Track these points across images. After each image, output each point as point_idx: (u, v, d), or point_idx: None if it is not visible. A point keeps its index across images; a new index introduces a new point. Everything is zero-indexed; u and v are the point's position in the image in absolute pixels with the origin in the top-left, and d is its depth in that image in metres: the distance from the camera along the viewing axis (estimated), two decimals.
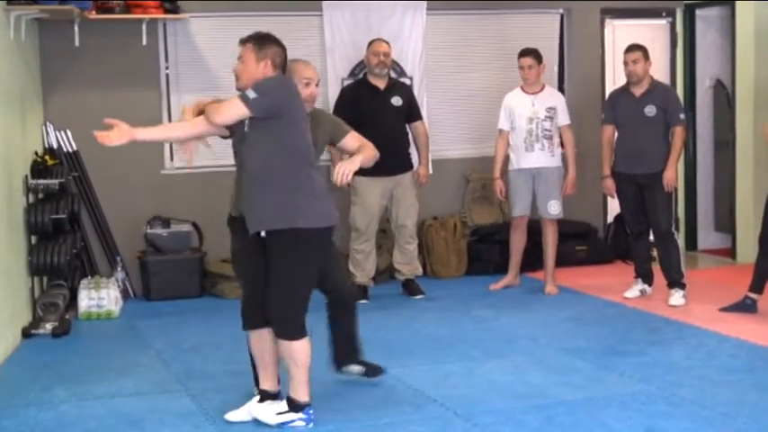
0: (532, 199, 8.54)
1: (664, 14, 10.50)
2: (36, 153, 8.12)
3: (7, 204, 7.01)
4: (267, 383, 5.40)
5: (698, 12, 10.42)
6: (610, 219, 10.21)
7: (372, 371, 5.86)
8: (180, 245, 8.76)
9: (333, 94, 8.99)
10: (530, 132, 8.40)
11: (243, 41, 5.23)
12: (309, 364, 5.18)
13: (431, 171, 8.92)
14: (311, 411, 5.21)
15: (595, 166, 8.88)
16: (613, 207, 10.11)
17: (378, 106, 8.29)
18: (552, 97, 8.53)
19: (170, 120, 8.97)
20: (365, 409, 5.43)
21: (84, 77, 8.70)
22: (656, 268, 8.35)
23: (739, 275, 8.35)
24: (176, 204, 8.94)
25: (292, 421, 5.17)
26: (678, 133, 7.97)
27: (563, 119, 8.49)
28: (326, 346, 5.86)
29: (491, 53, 9.89)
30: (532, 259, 9.36)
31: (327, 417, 5.30)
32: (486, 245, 9.54)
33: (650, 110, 7.96)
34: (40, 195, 7.83)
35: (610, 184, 8.27)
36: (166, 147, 9.04)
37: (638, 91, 8.04)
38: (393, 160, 7.97)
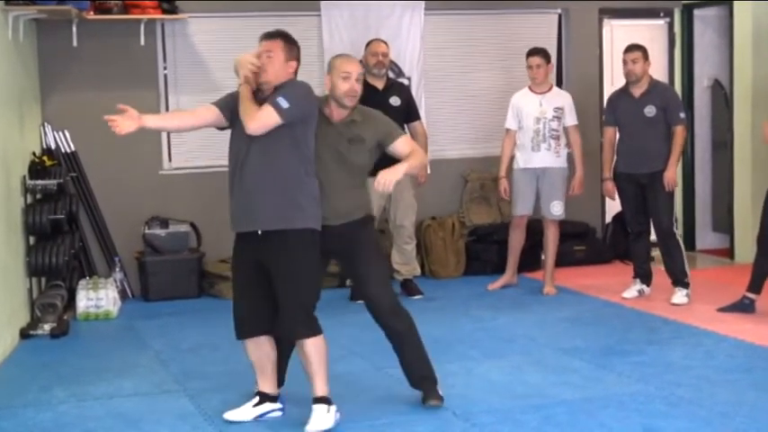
0: (535, 199, 8.52)
1: (662, 14, 10.51)
2: (34, 154, 8.12)
3: (5, 205, 7.01)
4: (267, 387, 5.40)
5: (696, 12, 10.43)
6: (608, 219, 10.21)
7: (429, 398, 5.54)
8: (178, 245, 8.75)
9: None
10: (537, 132, 8.37)
11: (270, 36, 5.23)
12: (324, 351, 5.20)
13: (429, 171, 8.91)
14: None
15: (594, 165, 8.88)
16: (612, 207, 10.13)
17: (376, 106, 8.21)
18: (560, 97, 8.50)
19: None
20: (364, 409, 5.43)
21: (83, 78, 8.70)
22: (656, 269, 8.36)
23: (737, 275, 8.35)
24: (174, 205, 8.93)
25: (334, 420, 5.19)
26: (678, 133, 7.97)
27: (570, 119, 8.46)
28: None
29: (489, 53, 9.90)
30: (531, 259, 9.38)
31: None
32: (484, 245, 9.54)
33: (650, 110, 7.96)
34: (38, 196, 7.82)
35: (610, 186, 8.28)
36: (165, 147, 9.04)
37: (637, 91, 8.04)
38: (391, 161, 7.94)
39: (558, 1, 10.03)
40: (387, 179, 5.20)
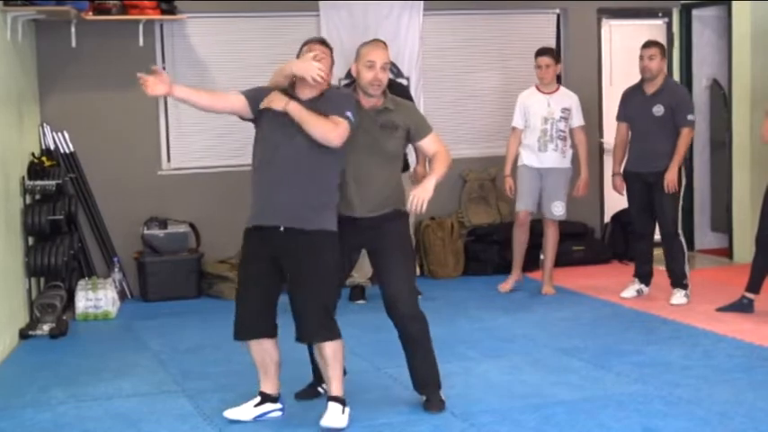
0: (538, 197, 8.49)
1: (660, 14, 10.51)
2: (33, 154, 8.12)
3: (4, 206, 7.01)
4: (268, 387, 5.40)
5: (694, 12, 10.43)
6: (607, 219, 10.22)
7: (431, 405, 5.51)
8: (177, 246, 8.75)
9: None
10: (544, 132, 8.34)
11: (322, 42, 5.31)
12: (341, 355, 5.23)
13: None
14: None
15: (592, 166, 8.89)
16: (610, 207, 10.15)
17: None
18: (567, 98, 8.44)
19: (167, 119, 9.00)
20: (362, 409, 5.42)
21: (81, 78, 8.70)
22: (657, 269, 8.36)
23: (736, 275, 8.36)
24: (173, 205, 8.94)
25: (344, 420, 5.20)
26: (684, 134, 7.89)
27: (577, 120, 8.42)
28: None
29: (488, 53, 9.91)
30: (530, 259, 9.37)
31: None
32: (483, 245, 9.54)
33: (658, 109, 7.92)
34: (37, 197, 7.82)
35: (619, 181, 8.24)
36: (164, 148, 9.04)
37: (649, 89, 7.99)
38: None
39: (557, 1, 10.03)
40: (420, 199, 5.19)
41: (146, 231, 8.71)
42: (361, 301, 8.14)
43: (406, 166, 8.29)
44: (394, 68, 9.26)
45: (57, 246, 7.67)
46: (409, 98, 8.36)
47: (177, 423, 5.41)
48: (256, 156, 5.26)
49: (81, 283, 8.17)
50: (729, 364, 6.29)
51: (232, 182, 8.97)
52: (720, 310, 7.66)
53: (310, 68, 5.12)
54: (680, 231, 8.06)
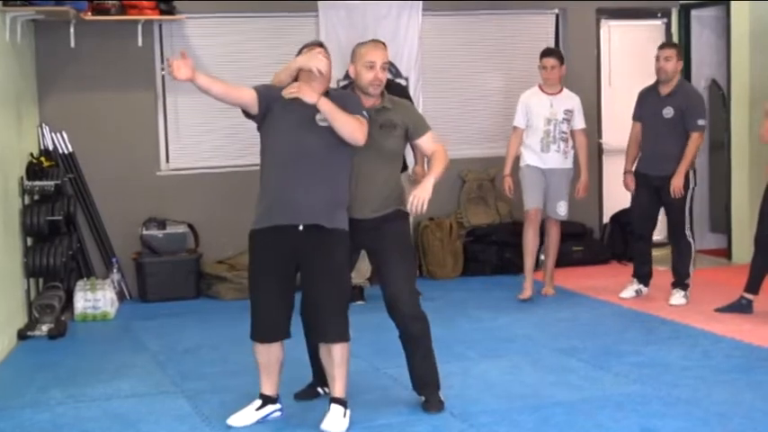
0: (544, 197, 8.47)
1: (659, 15, 10.51)
2: (32, 155, 8.11)
3: (3, 206, 7.01)
4: (269, 389, 5.39)
5: (693, 12, 10.43)
6: (606, 219, 10.21)
7: (430, 406, 5.50)
8: (176, 246, 8.75)
9: None
10: (547, 133, 8.30)
11: (320, 44, 5.34)
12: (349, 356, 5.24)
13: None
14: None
15: (591, 167, 8.88)
16: (609, 208, 10.14)
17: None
18: (570, 100, 8.40)
19: (165, 120, 9.00)
20: (361, 410, 5.41)
21: (80, 79, 8.70)
22: (656, 270, 8.36)
23: (735, 276, 8.36)
24: (172, 206, 8.93)
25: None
26: (693, 139, 7.85)
27: (579, 122, 8.39)
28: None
29: (487, 53, 9.90)
30: None
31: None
32: (481, 245, 9.53)
33: (668, 111, 7.89)
34: (36, 197, 7.82)
35: (630, 179, 8.19)
36: (162, 148, 9.04)
37: (664, 90, 7.96)
38: None
39: (556, 1, 10.03)
40: (420, 199, 5.19)
41: (144, 232, 8.71)
42: (359, 302, 8.14)
43: (404, 167, 8.29)
44: (392, 69, 9.26)
45: (55, 246, 7.67)
46: (408, 98, 8.35)
47: (176, 424, 5.41)
48: (267, 154, 5.22)
49: (80, 283, 8.17)
50: (728, 365, 6.29)
51: (231, 182, 8.98)
52: (719, 310, 7.66)
53: (315, 59, 5.15)
54: (688, 232, 8.03)
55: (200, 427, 5.36)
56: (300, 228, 5.09)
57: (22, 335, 7.29)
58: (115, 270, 8.69)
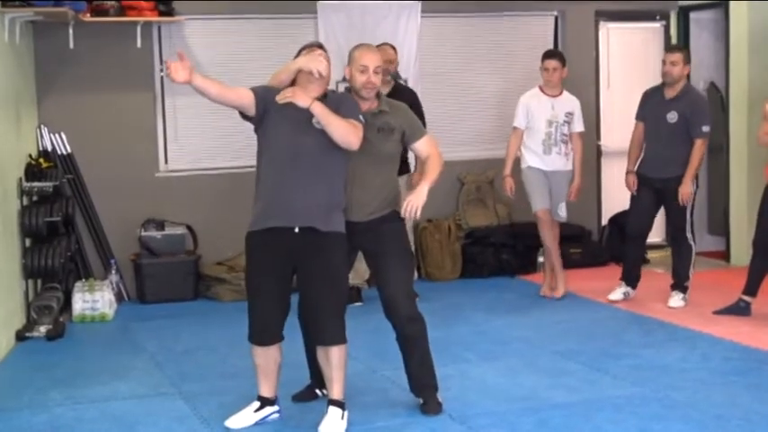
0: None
1: (658, 17, 10.51)
2: (30, 156, 8.11)
3: (1, 207, 7.00)
4: (267, 391, 5.39)
5: (692, 15, 10.43)
6: (604, 221, 10.21)
7: (428, 408, 5.49)
8: (174, 248, 8.75)
9: None
10: (548, 135, 8.28)
11: (319, 46, 5.32)
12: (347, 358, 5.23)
13: None
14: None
15: (590, 169, 8.88)
16: (608, 210, 10.14)
17: None
18: (570, 102, 8.39)
19: (164, 122, 9.00)
20: (360, 412, 5.41)
21: (79, 80, 8.69)
22: (649, 271, 8.35)
23: (733, 278, 8.36)
24: (170, 207, 8.93)
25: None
26: (698, 146, 7.83)
27: (578, 125, 8.38)
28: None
29: (486, 55, 9.91)
30: (525, 262, 9.39)
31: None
32: (480, 247, 9.53)
33: (672, 116, 7.86)
34: (35, 198, 7.82)
35: (632, 180, 8.12)
36: (161, 149, 9.04)
37: (669, 93, 7.93)
38: None
39: (556, 0, 10.03)
40: (414, 205, 5.19)
41: (143, 233, 8.71)
42: (357, 304, 8.14)
43: (407, 169, 8.28)
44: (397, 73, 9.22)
45: (54, 247, 7.67)
46: (417, 103, 8.12)
47: (174, 425, 5.41)
48: (264, 156, 5.21)
49: (78, 284, 8.17)
50: (726, 367, 6.29)
51: (230, 184, 8.97)
52: (717, 312, 7.66)
53: (315, 61, 5.13)
54: (689, 235, 8.01)
55: (198, 428, 5.36)
56: (296, 230, 5.09)
57: (20, 336, 7.29)
58: (114, 271, 8.68)
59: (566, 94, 8.43)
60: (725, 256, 10.02)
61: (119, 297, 8.60)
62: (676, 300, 8.00)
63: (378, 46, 8.06)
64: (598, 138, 10.17)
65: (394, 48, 8.44)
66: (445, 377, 5.82)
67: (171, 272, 8.66)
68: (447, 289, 9.03)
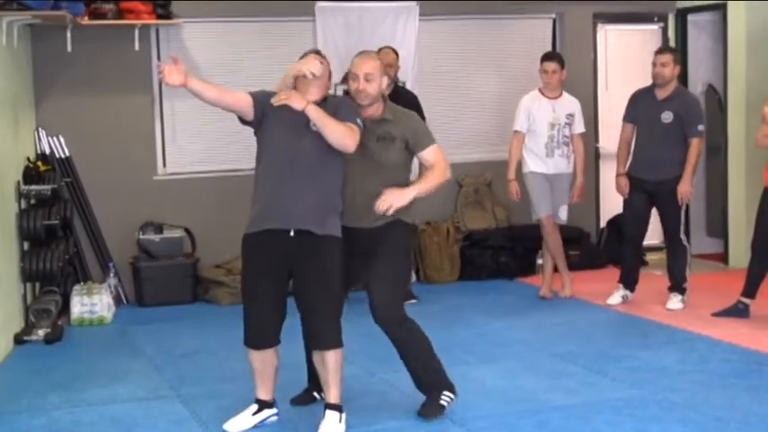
0: None
1: (656, 19, 10.52)
2: (28, 159, 8.11)
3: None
4: (264, 393, 5.39)
5: (690, 17, 10.43)
6: (602, 224, 10.21)
7: (425, 411, 5.47)
8: (173, 250, 8.74)
9: None
10: (551, 138, 8.28)
11: (318, 53, 5.33)
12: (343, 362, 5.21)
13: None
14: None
15: (588, 171, 8.87)
16: (606, 212, 10.14)
17: None
18: (571, 104, 8.38)
19: (162, 124, 9.00)
20: (358, 414, 5.41)
21: (77, 83, 8.69)
22: (648, 274, 8.35)
23: (732, 280, 8.36)
24: (169, 210, 8.92)
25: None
26: (694, 145, 7.83)
27: (579, 126, 8.38)
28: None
29: (484, 58, 9.91)
30: (524, 264, 9.39)
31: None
32: (478, 250, 9.52)
33: (667, 116, 7.86)
34: (33, 201, 7.82)
35: (623, 182, 8.11)
36: (159, 152, 9.04)
37: (661, 94, 7.92)
38: None
39: (554, 2, 10.02)
40: (388, 203, 5.14)
41: (141, 236, 8.70)
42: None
43: None
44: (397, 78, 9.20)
45: (52, 251, 7.66)
46: (418, 106, 8.10)
47: (173, 428, 5.41)
48: (262, 159, 5.20)
49: (76, 288, 8.16)
50: (725, 369, 6.28)
51: (228, 187, 8.97)
52: (716, 314, 7.65)
53: (307, 63, 5.14)
54: (683, 236, 8.01)
55: (196, 431, 5.35)
56: (291, 233, 5.08)
57: (18, 339, 7.28)
58: (112, 274, 8.68)
59: (566, 95, 8.42)
60: (723, 257, 10.02)
61: (117, 300, 8.59)
62: (675, 302, 7.99)
63: (379, 50, 8.12)
64: (596, 140, 10.17)
65: (395, 51, 8.43)
66: None
67: (169, 275, 8.65)
68: (446, 291, 9.02)
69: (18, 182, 7.65)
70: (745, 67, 9.55)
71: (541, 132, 8.29)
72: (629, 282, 8.27)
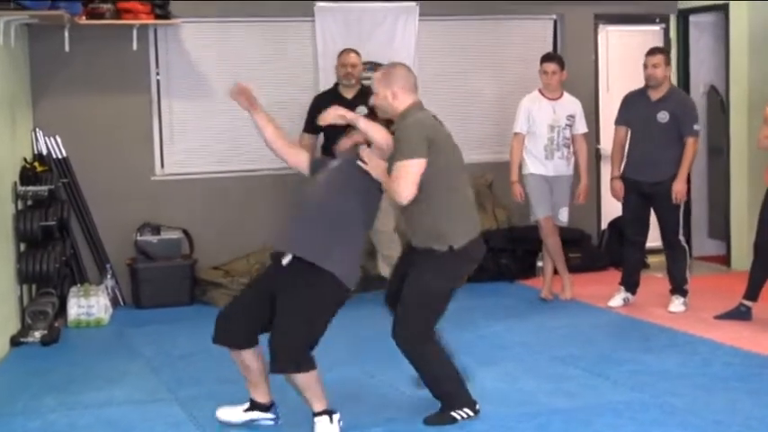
0: None
1: (657, 20, 10.49)
2: (25, 159, 8.07)
3: None
4: (258, 395, 5.37)
5: (691, 18, 10.41)
6: (604, 225, 10.18)
7: (429, 419, 5.43)
8: (170, 252, 8.70)
9: None
10: (551, 140, 8.25)
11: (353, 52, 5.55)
12: (315, 381, 5.10)
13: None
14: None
15: (589, 172, 8.83)
16: (607, 214, 10.11)
17: None
18: (572, 104, 8.35)
19: (160, 124, 8.99)
20: (358, 416, 5.39)
21: (75, 83, 8.66)
22: (649, 277, 8.32)
23: (734, 283, 8.31)
24: (167, 211, 8.89)
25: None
26: (690, 144, 7.80)
27: (581, 127, 8.35)
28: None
29: (484, 59, 9.88)
30: (524, 266, 9.35)
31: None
32: None
33: (663, 116, 7.84)
34: (29, 202, 7.79)
35: (618, 186, 8.09)
36: (157, 153, 9.00)
37: (654, 95, 7.90)
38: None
39: (555, 3, 9.99)
40: (370, 165, 5.23)
41: (139, 237, 8.67)
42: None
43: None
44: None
45: (49, 252, 7.63)
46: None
47: (170, 430, 5.39)
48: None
49: (73, 289, 8.13)
50: (727, 373, 6.25)
51: (227, 188, 8.94)
52: (718, 317, 7.62)
53: (329, 116, 5.38)
54: (681, 238, 7.98)
55: None
56: (284, 262, 5.09)
57: (14, 341, 7.25)
58: (109, 276, 8.65)
59: (566, 96, 8.39)
60: (725, 260, 9.99)
61: (114, 302, 8.56)
62: (677, 304, 7.96)
63: (341, 52, 8.48)
64: (597, 141, 10.14)
65: (356, 52, 8.51)
66: None
67: (167, 276, 8.62)
68: None
69: (15, 183, 7.62)
70: (748, 68, 9.53)
71: (541, 135, 8.26)
72: (631, 284, 8.23)
